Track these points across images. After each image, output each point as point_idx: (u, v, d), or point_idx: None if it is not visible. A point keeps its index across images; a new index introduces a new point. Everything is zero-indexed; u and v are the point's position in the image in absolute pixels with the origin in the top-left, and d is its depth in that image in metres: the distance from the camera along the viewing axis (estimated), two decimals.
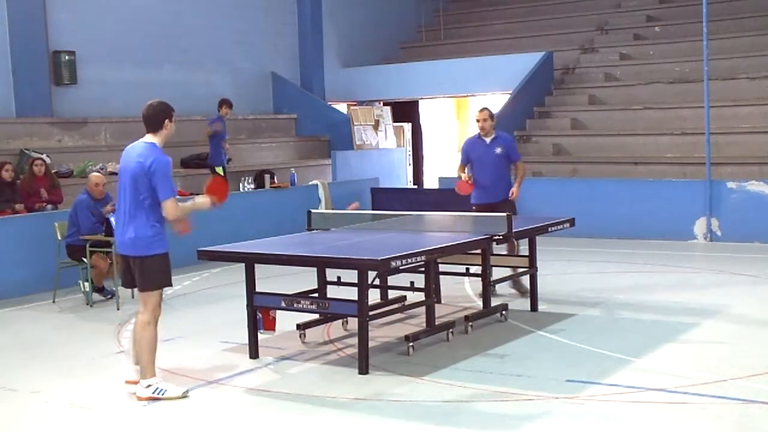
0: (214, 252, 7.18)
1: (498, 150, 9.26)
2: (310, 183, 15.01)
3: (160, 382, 6.12)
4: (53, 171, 12.28)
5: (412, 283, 8.02)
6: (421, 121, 20.71)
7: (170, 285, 6.25)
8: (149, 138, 6.13)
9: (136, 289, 9.63)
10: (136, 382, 6.23)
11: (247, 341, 7.17)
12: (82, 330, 8.61)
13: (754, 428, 5.31)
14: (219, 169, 13.66)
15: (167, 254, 6.13)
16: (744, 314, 8.24)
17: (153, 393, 6.05)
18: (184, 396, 6.09)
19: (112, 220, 9.37)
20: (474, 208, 9.26)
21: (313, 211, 8.65)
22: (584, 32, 18.64)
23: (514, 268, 8.95)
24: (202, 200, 6.28)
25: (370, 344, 6.81)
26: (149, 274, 6.07)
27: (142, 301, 6.18)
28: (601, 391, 6.01)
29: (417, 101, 19.97)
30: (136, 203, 5.99)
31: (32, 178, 11.19)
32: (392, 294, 8.27)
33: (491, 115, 9.37)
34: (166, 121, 6.12)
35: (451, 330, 7.52)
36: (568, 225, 8.75)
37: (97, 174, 10.24)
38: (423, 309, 7.48)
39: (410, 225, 8.79)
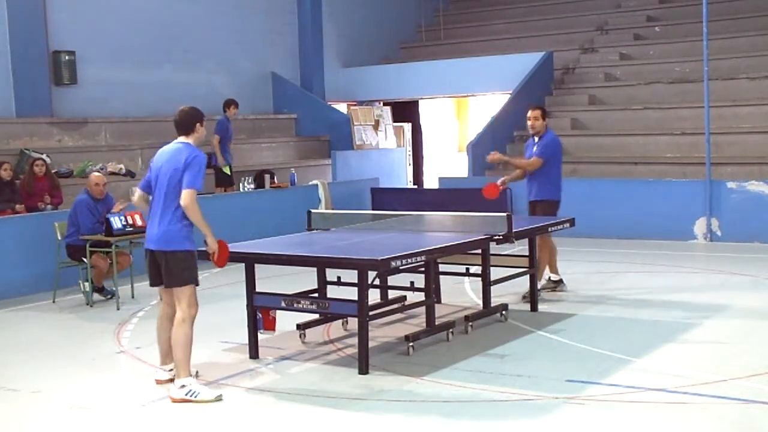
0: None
1: (535, 149, 9.23)
2: (310, 183, 15.00)
3: (195, 383, 6.09)
4: (53, 171, 12.28)
5: (412, 283, 8.02)
6: (421, 121, 20.71)
7: (197, 284, 6.23)
8: (183, 139, 6.26)
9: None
10: (164, 382, 6.28)
11: (247, 341, 7.17)
12: (82, 330, 8.61)
13: (754, 428, 5.31)
14: (226, 168, 13.73)
15: (194, 252, 6.17)
16: (744, 314, 8.24)
17: (186, 395, 6.01)
18: (218, 399, 6.02)
19: (113, 220, 9.39)
20: None
21: (313, 211, 8.66)
22: (584, 32, 18.65)
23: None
24: (212, 240, 6.24)
25: (370, 344, 6.81)
26: (176, 269, 6.11)
27: (176, 299, 6.21)
28: (601, 391, 6.01)
29: (417, 101, 19.98)
30: (168, 200, 6.10)
31: (33, 178, 11.18)
32: (392, 294, 8.27)
33: (542, 115, 9.27)
34: (197, 125, 6.29)
35: (451, 330, 7.52)
36: (568, 225, 8.76)
37: (98, 174, 10.23)
38: (423, 309, 7.48)
39: (410, 225, 8.79)
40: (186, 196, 6.00)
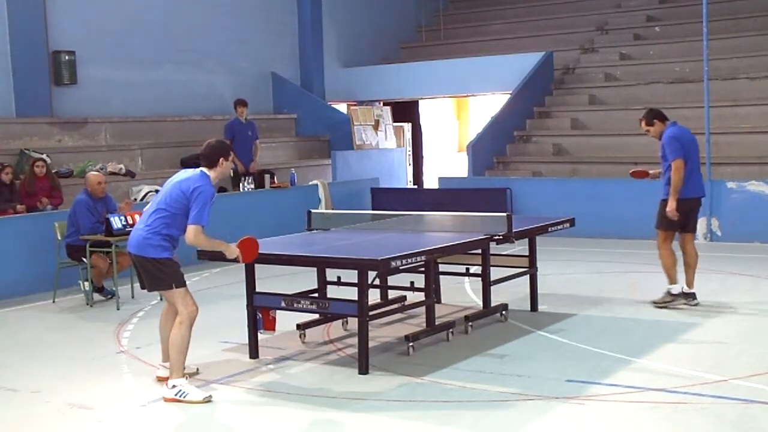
0: (214, 252, 7.17)
1: (660, 151, 8.56)
2: (310, 183, 15.00)
3: (185, 384, 6.12)
4: (53, 171, 12.28)
5: (412, 283, 8.02)
6: (421, 121, 20.71)
7: (183, 286, 6.25)
8: (204, 170, 6.32)
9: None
10: (164, 379, 6.33)
11: (247, 341, 7.17)
12: (82, 330, 8.60)
13: (754, 428, 5.31)
14: (231, 171, 13.76)
15: (170, 260, 6.22)
16: (744, 314, 8.25)
17: (176, 395, 6.05)
18: (207, 401, 6.04)
19: (113, 220, 9.39)
20: None
21: (313, 211, 8.66)
22: (584, 32, 18.65)
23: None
24: (231, 249, 6.38)
25: (370, 344, 6.81)
26: (151, 275, 6.23)
27: (168, 302, 6.40)
28: (601, 391, 6.02)
29: (417, 101, 19.97)
30: (158, 210, 6.18)
31: (33, 179, 11.19)
32: (392, 294, 8.26)
33: (648, 121, 8.54)
34: (221, 159, 6.33)
35: (451, 330, 7.52)
36: (568, 225, 8.75)
37: (96, 173, 10.22)
38: (423, 309, 7.49)
39: (410, 225, 8.79)
40: (190, 233, 6.07)
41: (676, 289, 8.52)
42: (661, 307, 8.48)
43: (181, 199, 6.11)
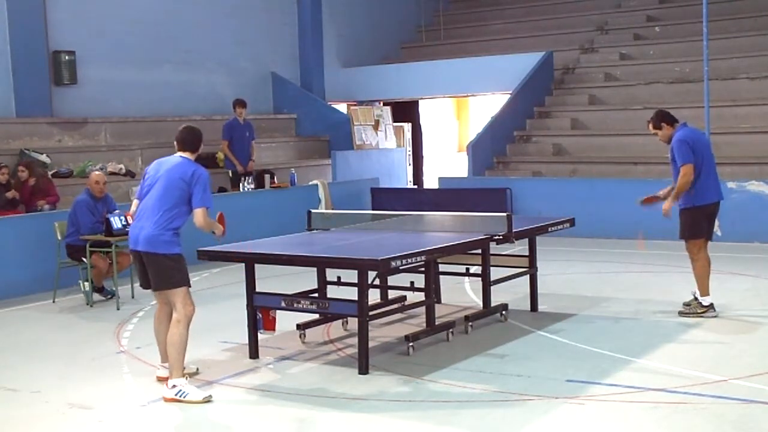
0: (214, 252, 7.19)
1: (669, 155, 8.19)
2: (310, 183, 15.00)
3: (186, 384, 6.11)
4: (53, 171, 12.30)
5: (412, 283, 8.02)
6: (421, 121, 20.71)
7: (188, 285, 6.25)
8: (186, 155, 6.34)
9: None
10: (164, 379, 6.33)
11: (247, 341, 7.17)
12: (82, 330, 8.60)
13: (754, 428, 5.31)
14: (229, 172, 13.84)
15: (182, 256, 6.21)
16: (744, 314, 8.24)
17: (176, 395, 6.05)
18: (207, 401, 6.04)
19: (113, 220, 9.39)
20: None
21: (313, 211, 8.66)
22: (584, 32, 18.66)
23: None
24: (218, 226, 6.46)
25: (370, 344, 6.81)
26: (163, 273, 6.17)
27: (170, 300, 6.30)
28: (601, 391, 6.02)
29: (417, 101, 19.97)
30: (161, 203, 6.16)
31: (20, 184, 11.30)
32: (392, 294, 8.27)
33: (655, 124, 8.17)
34: (200, 145, 6.46)
35: (451, 330, 7.52)
36: (568, 225, 8.76)
37: (98, 173, 10.24)
38: (423, 309, 7.49)
39: (410, 225, 8.79)
40: (199, 217, 6.13)
41: (707, 301, 8.11)
42: (685, 316, 8.10)
43: (181, 186, 6.12)
